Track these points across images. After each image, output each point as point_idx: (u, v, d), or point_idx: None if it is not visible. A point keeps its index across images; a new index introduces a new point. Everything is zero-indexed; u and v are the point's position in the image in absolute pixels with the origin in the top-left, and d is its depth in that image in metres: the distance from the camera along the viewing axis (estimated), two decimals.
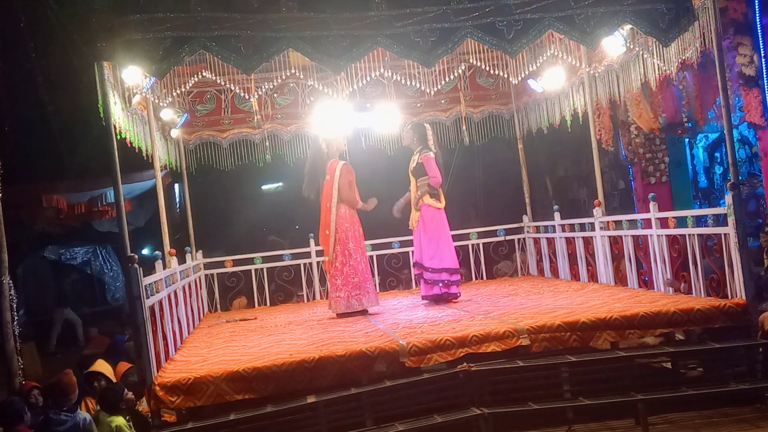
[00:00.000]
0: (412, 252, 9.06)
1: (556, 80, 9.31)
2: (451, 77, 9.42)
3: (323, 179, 8.35)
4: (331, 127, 8.94)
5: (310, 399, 5.68)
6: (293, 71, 8.15)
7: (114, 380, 6.52)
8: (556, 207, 10.15)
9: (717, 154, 10.90)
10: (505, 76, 9.19)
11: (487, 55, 8.68)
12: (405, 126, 9.08)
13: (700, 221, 7.03)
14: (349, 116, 9.84)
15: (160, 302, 6.64)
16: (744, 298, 6.32)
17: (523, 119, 10.93)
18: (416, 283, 8.99)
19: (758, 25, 8.52)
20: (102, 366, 6.76)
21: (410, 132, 8.77)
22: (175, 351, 7.01)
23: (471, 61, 8.96)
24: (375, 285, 8.68)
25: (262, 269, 10.49)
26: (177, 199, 15.68)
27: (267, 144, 10.47)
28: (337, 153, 8.49)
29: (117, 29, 5.96)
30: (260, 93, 9.21)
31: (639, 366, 6.16)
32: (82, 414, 5.71)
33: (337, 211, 8.25)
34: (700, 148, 11.09)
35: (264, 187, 16.73)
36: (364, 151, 10.54)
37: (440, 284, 8.40)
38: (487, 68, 8.89)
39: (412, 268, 9.57)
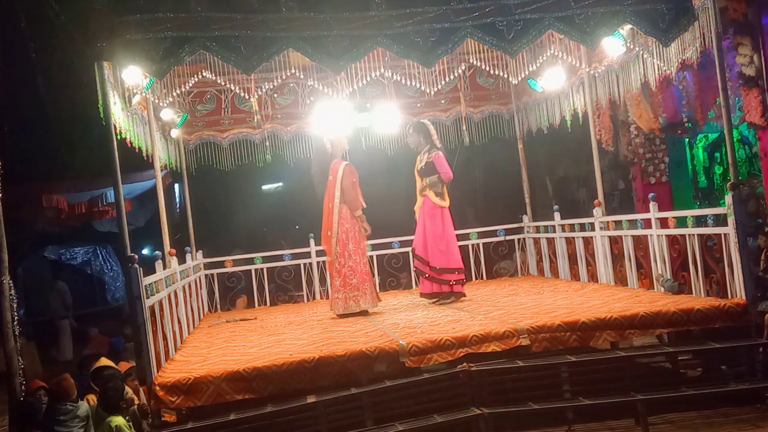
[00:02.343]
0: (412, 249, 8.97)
1: (556, 80, 9.31)
2: (451, 77, 9.42)
3: (326, 179, 8.36)
4: (334, 127, 8.95)
5: (310, 399, 5.68)
6: (293, 71, 8.15)
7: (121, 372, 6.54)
8: (556, 207, 10.15)
9: (717, 154, 10.89)
10: (505, 76, 9.18)
11: (487, 55, 8.68)
12: (407, 130, 9.07)
13: (700, 221, 7.03)
14: (349, 116, 9.86)
15: (160, 302, 6.64)
16: (744, 298, 6.32)
17: (523, 119, 10.93)
18: (416, 280, 8.93)
19: (758, 25, 8.51)
20: (106, 362, 6.77)
21: (414, 134, 8.78)
22: (175, 351, 7.01)
23: (471, 61, 8.96)
24: (375, 286, 8.64)
25: (262, 269, 10.49)
26: (177, 199, 15.68)
27: (267, 144, 10.47)
28: (341, 153, 8.50)
29: (117, 29, 5.96)
30: (260, 93, 9.20)
31: (639, 366, 6.16)
32: (85, 404, 5.80)
33: (340, 211, 8.23)
34: (700, 148, 11.08)
35: (264, 187, 16.74)
36: (364, 151, 10.54)
37: (450, 283, 8.43)
38: (487, 68, 8.88)
39: (411, 260, 9.49)
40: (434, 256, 8.48)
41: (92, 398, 6.14)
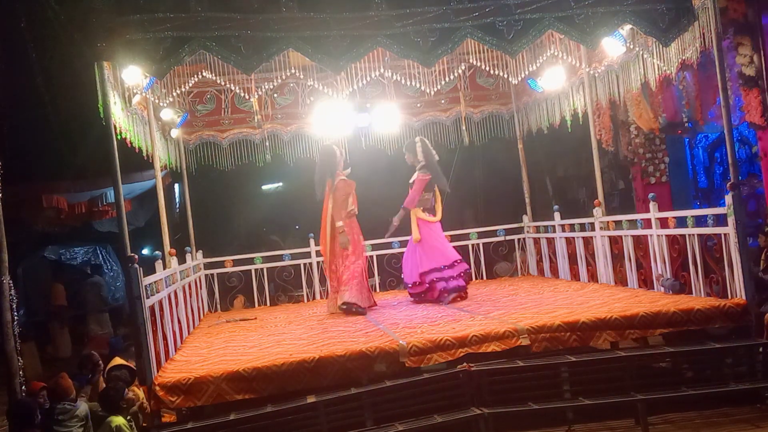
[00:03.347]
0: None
1: (556, 80, 9.31)
2: (451, 77, 9.42)
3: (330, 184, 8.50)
4: (334, 135, 9.11)
5: (310, 399, 5.68)
6: (293, 71, 8.15)
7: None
8: (556, 207, 10.15)
9: (717, 154, 10.91)
10: (505, 76, 9.19)
11: (487, 55, 8.68)
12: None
13: (700, 221, 7.03)
14: (348, 116, 9.89)
15: (160, 302, 6.64)
16: (744, 298, 6.32)
17: (523, 119, 10.93)
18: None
19: (758, 25, 8.51)
20: (120, 361, 6.80)
21: (406, 153, 9.00)
22: (175, 351, 7.01)
23: (471, 61, 8.96)
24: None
25: (262, 269, 10.49)
26: (177, 199, 15.68)
27: (267, 144, 10.48)
28: (343, 161, 8.71)
29: (117, 29, 5.96)
30: (260, 93, 9.21)
31: (639, 366, 6.16)
32: (83, 404, 5.81)
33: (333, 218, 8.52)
34: (700, 148, 11.09)
35: (264, 187, 16.73)
36: (364, 151, 10.55)
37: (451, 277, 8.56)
38: (487, 68, 8.89)
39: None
40: (431, 260, 8.61)
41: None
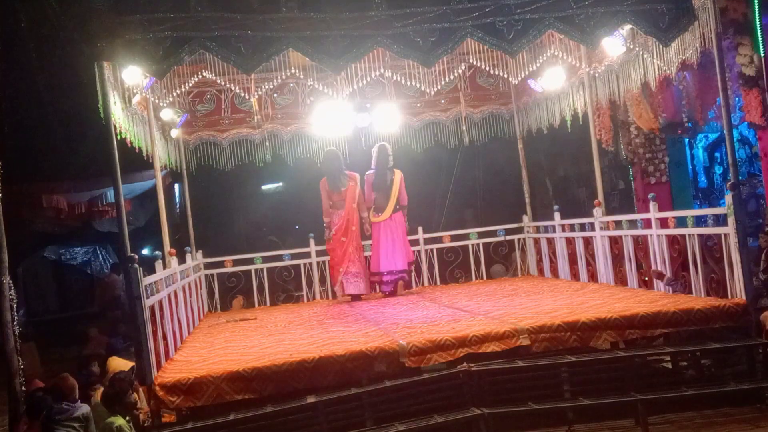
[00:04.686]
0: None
1: (556, 80, 9.30)
2: (451, 77, 9.41)
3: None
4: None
5: (310, 399, 5.68)
6: (293, 71, 8.15)
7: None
8: (556, 207, 10.15)
9: (717, 154, 10.89)
10: (505, 76, 9.19)
11: (487, 55, 8.68)
12: None
13: (700, 221, 7.03)
14: (348, 116, 9.92)
15: (160, 302, 6.64)
16: (744, 298, 6.32)
17: (523, 119, 10.93)
18: (416, 280, 9.94)
19: (758, 25, 8.51)
20: (118, 363, 6.79)
21: None
22: (175, 351, 7.01)
23: (471, 61, 8.96)
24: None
25: (262, 269, 10.48)
26: (177, 199, 15.68)
27: (267, 144, 10.48)
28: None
29: (117, 29, 5.96)
30: (260, 93, 9.21)
31: (639, 366, 6.16)
32: (84, 405, 5.81)
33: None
34: (700, 148, 11.08)
35: (264, 187, 16.72)
36: (364, 150, 10.55)
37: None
38: (487, 68, 8.89)
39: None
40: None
41: (97, 396, 6.15)
